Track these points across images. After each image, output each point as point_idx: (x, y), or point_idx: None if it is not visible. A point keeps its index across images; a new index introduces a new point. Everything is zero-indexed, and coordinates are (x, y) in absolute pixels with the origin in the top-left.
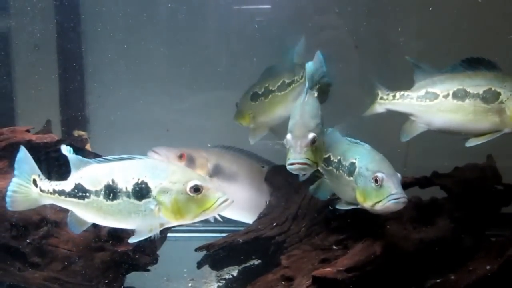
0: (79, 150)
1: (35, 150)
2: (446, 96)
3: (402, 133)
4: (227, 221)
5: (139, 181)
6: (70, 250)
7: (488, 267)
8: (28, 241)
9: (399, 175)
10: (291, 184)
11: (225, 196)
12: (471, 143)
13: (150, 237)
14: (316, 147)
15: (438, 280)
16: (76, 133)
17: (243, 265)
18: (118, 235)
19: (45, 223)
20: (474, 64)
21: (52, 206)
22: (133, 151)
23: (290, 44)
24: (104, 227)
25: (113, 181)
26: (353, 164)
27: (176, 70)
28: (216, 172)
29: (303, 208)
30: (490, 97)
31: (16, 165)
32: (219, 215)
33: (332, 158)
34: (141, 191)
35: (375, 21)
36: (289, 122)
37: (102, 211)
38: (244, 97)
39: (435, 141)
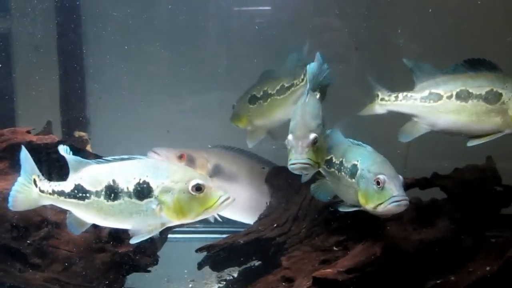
0: (79, 151)
1: (35, 151)
2: (449, 97)
3: (402, 133)
4: (227, 222)
5: (141, 181)
6: (71, 251)
7: (488, 268)
8: (28, 242)
9: (401, 177)
10: (291, 185)
11: (226, 194)
12: (472, 143)
13: (151, 237)
14: (318, 147)
15: (438, 281)
16: (77, 134)
17: (244, 266)
18: (119, 236)
19: (46, 224)
20: (475, 65)
21: (53, 207)
22: (134, 152)
23: (292, 48)
24: (105, 228)
25: (114, 181)
26: (355, 166)
27: (177, 71)
28: (216, 173)
29: (304, 209)
30: (492, 98)
31: (21, 165)
32: (218, 215)
33: (334, 159)
34: (142, 191)
35: (375, 23)
36: (291, 123)
37: (102, 211)
38: (241, 99)
39: (435, 142)
